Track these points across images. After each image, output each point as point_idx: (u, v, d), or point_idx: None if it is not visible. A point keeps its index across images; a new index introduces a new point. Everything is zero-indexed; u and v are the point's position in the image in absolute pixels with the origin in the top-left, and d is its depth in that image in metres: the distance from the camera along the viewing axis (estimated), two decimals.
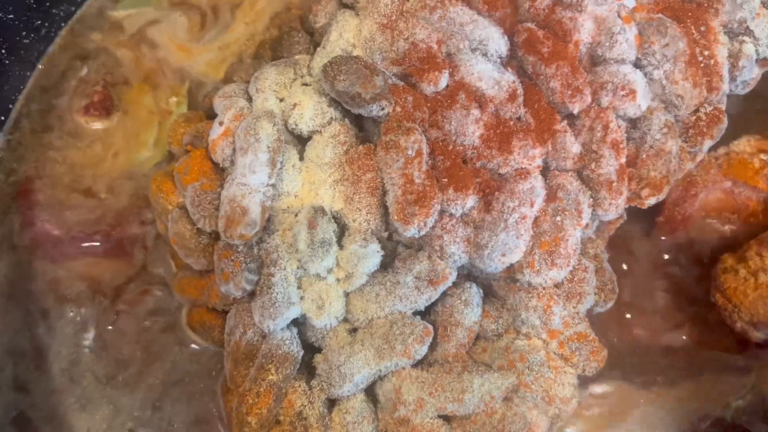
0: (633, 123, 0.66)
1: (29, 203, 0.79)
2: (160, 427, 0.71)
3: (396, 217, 0.60)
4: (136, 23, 0.86)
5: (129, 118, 0.82)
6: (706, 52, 0.66)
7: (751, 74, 0.70)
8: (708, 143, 0.69)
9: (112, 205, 0.78)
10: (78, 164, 0.81)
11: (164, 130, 0.80)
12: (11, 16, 0.80)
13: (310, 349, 0.65)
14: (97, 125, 0.82)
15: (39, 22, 0.83)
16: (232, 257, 0.60)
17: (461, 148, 0.62)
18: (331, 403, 0.64)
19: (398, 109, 0.61)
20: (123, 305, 0.75)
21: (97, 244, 0.77)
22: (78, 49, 0.85)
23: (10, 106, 0.82)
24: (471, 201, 0.62)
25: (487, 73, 0.62)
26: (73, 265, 0.77)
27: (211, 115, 0.70)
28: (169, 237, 0.66)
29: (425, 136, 0.62)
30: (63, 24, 0.85)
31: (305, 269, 0.61)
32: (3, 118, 0.82)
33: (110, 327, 0.74)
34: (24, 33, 0.82)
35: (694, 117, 0.68)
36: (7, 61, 0.81)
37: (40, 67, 0.84)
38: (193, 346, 0.72)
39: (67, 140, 0.82)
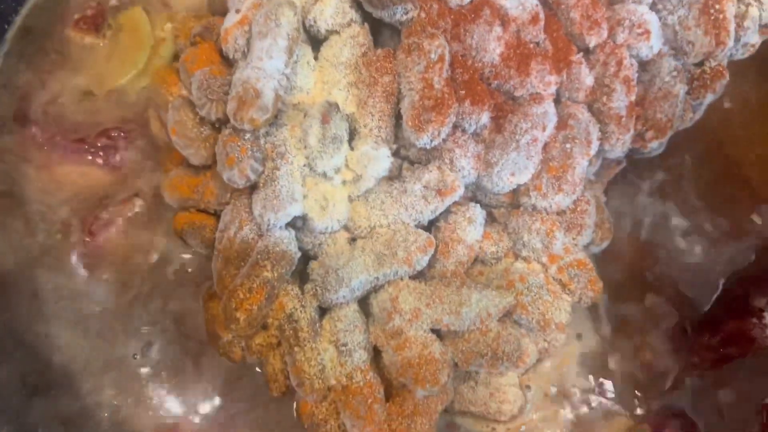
0: (642, 66, 0.68)
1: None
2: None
3: (410, 123, 0.59)
4: None
5: (121, 37, 0.79)
6: (717, 6, 0.68)
7: (753, 38, 0.72)
8: (710, 97, 0.70)
9: (96, 119, 0.75)
10: (67, 78, 0.77)
11: (156, 56, 0.77)
12: None
13: (304, 258, 0.63)
14: (88, 40, 0.78)
15: None
16: (239, 143, 0.57)
17: (480, 64, 0.62)
18: (322, 312, 0.62)
19: (422, 14, 0.60)
20: (106, 214, 0.72)
21: (84, 155, 0.74)
22: None
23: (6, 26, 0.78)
24: (485, 117, 0.61)
25: None
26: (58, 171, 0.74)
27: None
28: (168, 127, 0.63)
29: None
30: None
31: (312, 167, 0.60)
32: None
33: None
34: None
35: (699, 70, 0.70)
36: None
37: None
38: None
39: (57, 56, 0.78)
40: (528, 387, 0.68)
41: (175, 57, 0.72)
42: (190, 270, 0.70)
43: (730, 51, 0.71)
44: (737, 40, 0.71)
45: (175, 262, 0.71)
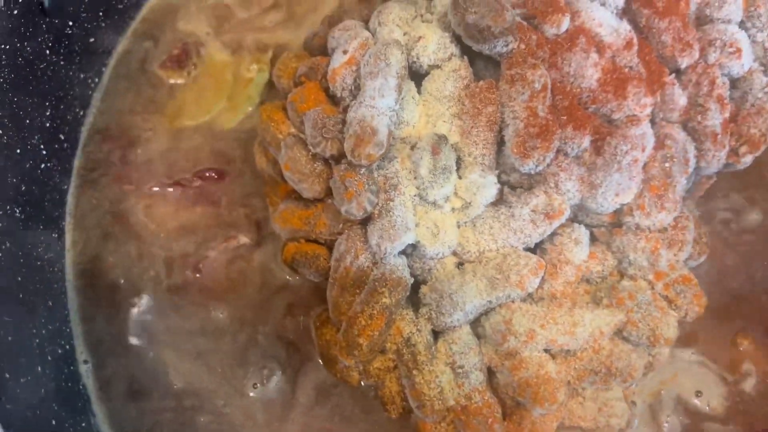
0: (733, 84, 0.69)
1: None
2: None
3: (516, 150, 0.62)
4: None
5: (202, 77, 0.83)
6: None
7: None
8: None
9: (191, 159, 0.79)
10: (156, 115, 0.82)
11: (244, 95, 0.81)
12: None
13: (414, 283, 0.65)
14: (174, 80, 0.83)
15: None
16: (356, 178, 0.60)
17: (578, 90, 0.64)
18: (435, 335, 0.64)
19: (522, 46, 0.63)
20: (212, 252, 0.75)
21: (176, 191, 0.78)
22: (166, 15, 0.87)
23: (102, 69, 0.83)
24: (587, 141, 0.63)
25: (607, 20, 0.65)
26: (161, 213, 0.78)
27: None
28: (281, 164, 0.66)
29: None
30: None
31: (423, 197, 0.62)
32: (97, 80, 0.82)
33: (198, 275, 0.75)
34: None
35: None
36: (103, 24, 0.82)
37: (129, 31, 0.85)
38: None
39: (147, 91, 0.83)
40: (633, 402, 0.69)
41: (274, 96, 0.76)
42: (300, 297, 0.73)
43: None
44: None
45: (282, 292, 0.74)
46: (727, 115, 0.67)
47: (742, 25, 0.69)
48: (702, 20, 0.69)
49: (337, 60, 0.65)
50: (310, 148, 0.64)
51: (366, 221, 0.63)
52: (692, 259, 0.69)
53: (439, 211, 0.63)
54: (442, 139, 0.62)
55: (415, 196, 0.63)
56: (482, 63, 0.68)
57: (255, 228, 0.76)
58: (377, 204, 0.61)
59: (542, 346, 0.61)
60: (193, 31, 0.85)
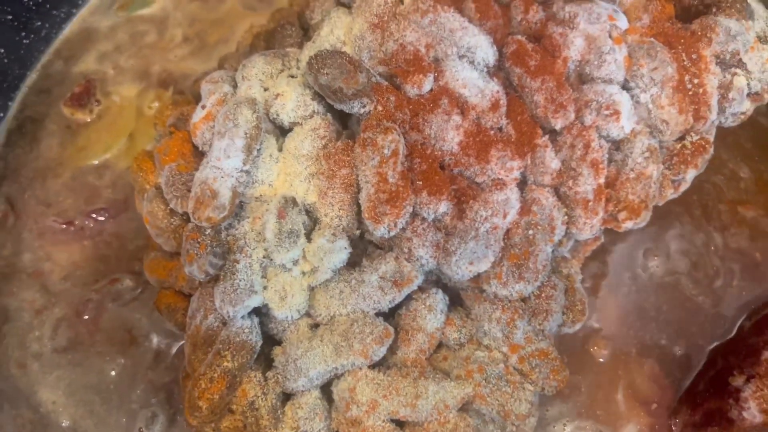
0: (616, 145, 0.66)
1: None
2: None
3: (367, 215, 0.60)
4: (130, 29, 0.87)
5: (108, 114, 0.83)
6: (695, 81, 0.65)
7: (741, 107, 0.69)
8: (692, 173, 0.68)
9: (85, 199, 0.80)
10: (57, 155, 0.82)
11: (141, 133, 0.81)
12: (10, 17, 0.81)
13: (272, 341, 0.65)
14: (78, 117, 0.83)
15: (39, 23, 0.84)
16: (199, 239, 0.60)
17: (439, 153, 0.62)
18: (287, 397, 0.63)
19: (380, 107, 0.61)
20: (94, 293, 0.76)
21: (73, 236, 0.78)
22: (74, 51, 0.87)
23: (9, 103, 0.84)
24: (444, 206, 0.61)
25: (472, 80, 0.62)
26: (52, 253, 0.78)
27: (198, 101, 0.70)
28: (142, 216, 0.66)
29: (405, 137, 0.61)
30: (64, 26, 0.87)
31: (271, 259, 0.61)
32: (2, 114, 0.83)
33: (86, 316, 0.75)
34: (23, 34, 0.83)
35: (680, 145, 0.67)
36: (6, 60, 0.82)
37: (38, 67, 0.85)
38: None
39: (51, 128, 0.83)
40: None
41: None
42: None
43: (713, 124, 0.68)
44: (722, 111, 0.69)
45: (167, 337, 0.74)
46: (602, 180, 0.64)
47: (626, 84, 0.65)
48: (584, 78, 0.66)
49: (197, 114, 0.64)
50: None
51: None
52: (566, 326, 0.66)
53: (289, 275, 0.61)
54: (289, 202, 0.61)
55: (264, 258, 0.62)
56: (355, 118, 0.66)
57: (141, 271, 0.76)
58: (223, 265, 0.61)
59: (384, 417, 0.60)
60: (98, 67, 0.85)
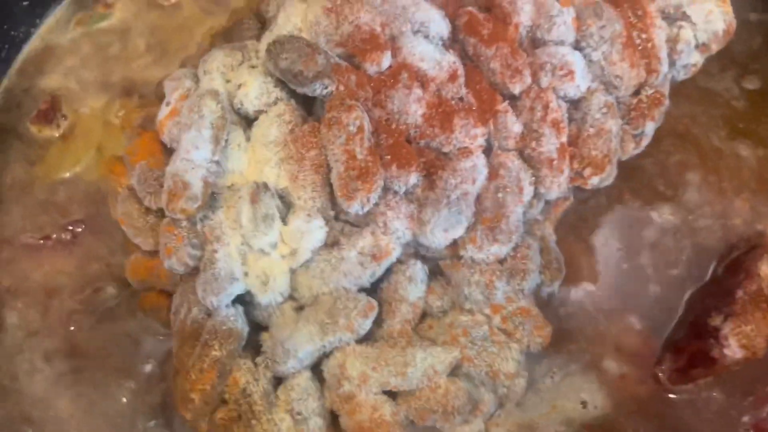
0: (575, 104, 0.68)
1: None
2: None
3: (340, 193, 0.61)
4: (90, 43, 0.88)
5: (75, 128, 0.83)
6: (643, 35, 0.68)
7: (691, 59, 0.72)
8: (651, 125, 0.70)
9: (59, 212, 0.80)
10: (27, 172, 0.82)
11: (109, 144, 0.81)
12: None
13: (259, 329, 0.65)
14: (46, 133, 0.83)
15: None
16: (175, 232, 0.60)
17: (404, 126, 0.63)
18: (278, 381, 0.64)
19: (341, 87, 0.62)
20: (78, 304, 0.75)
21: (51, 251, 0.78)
22: (38, 68, 0.87)
23: None
24: (414, 178, 0.63)
25: (429, 53, 0.64)
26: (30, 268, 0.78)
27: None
28: (117, 218, 0.67)
29: (369, 114, 0.63)
30: (23, 45, 0.87)
31: (249, 245, 0.62)
32: None
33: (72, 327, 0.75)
34: None
35: (636, 99, 0.70)
36: None
37: (1, 89, 0.85)
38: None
39: (19, 148, 0.83)
40: None
41: None
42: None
43: (666, 77, 0.71)
44: (673, 64, 0.71)
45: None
46: (564, 139, 0.66)
47: (577, 45, 0.68)
48: (536, 42, 0.68)
49: (162, 112, 0.65)
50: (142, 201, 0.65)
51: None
52: (545, 286, 0.68)
53: (269, 259, 0.62)
54: (261, 187, 0.61)
55: (242, 245, 0.62)
56: (319, 102, 0.68)
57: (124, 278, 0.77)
58: (202, 257, 0.61)
59: (376, 389, 0.61)
60: (62, 83, 0.85)
